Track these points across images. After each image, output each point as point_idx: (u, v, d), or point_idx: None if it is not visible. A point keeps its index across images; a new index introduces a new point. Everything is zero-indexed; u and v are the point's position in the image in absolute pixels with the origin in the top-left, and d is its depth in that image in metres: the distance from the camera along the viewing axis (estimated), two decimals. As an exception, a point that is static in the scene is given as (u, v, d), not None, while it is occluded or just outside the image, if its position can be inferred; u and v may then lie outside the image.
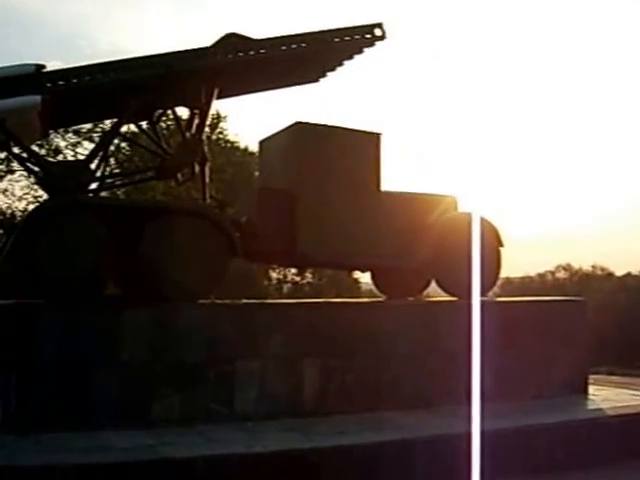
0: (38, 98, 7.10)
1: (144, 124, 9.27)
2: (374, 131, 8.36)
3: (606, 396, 8.55)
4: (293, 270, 25.11)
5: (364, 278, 10.18)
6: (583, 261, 47.05)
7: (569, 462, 6.65)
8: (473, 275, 7.50)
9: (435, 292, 9.50)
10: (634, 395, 8.70)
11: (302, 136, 7.99)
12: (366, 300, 10.34)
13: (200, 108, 8.23)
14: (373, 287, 10.04)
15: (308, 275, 25.72)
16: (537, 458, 6.53)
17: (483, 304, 6.70)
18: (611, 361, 16.90)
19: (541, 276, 45.90)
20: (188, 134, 8.34)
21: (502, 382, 7.40)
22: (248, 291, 17.60)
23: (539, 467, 6.42)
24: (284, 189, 7.98)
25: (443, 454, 6.15)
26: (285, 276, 25.98)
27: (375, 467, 5.92)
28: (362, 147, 8.18)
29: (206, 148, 8.47)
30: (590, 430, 7.05)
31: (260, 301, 8.78)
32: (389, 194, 8.34)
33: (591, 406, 8.05)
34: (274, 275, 25.56)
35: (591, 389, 8.85)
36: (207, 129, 20.82)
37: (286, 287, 26.12)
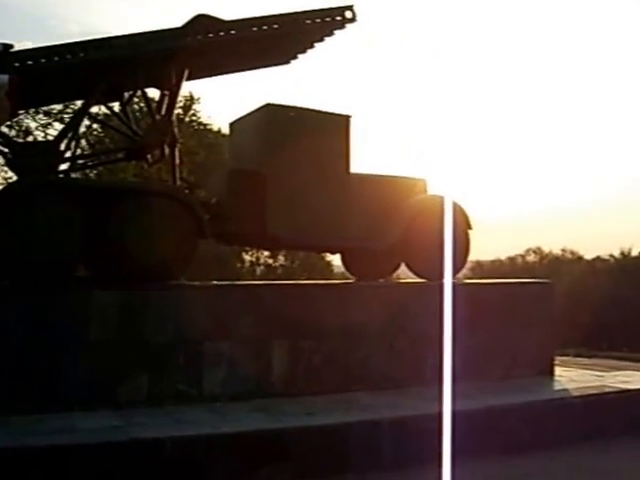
0: (5, 77, 7.04)
1: (115, 105, 9.23)
2: (344, 113, 8.38)
3: (571, 377, 8.68)
4: (266, 253, 25.11)
5: (337, 261, 10.22)
6: (553, 245, 47.40)
7: (535, 442, 6.74)
8: (445, 257, 7.57)
9: (405, 274, 9.55)
10: (598, 376, 8.83)
11: (272, 118, 7.99)
12: (335, 282, 10.37)
13: (170, 89, 8.19)
14: (345, 270, 10.07)
15: (281, 258, 25.72)
16: (504, 438, 6.59)
17: (452, 286, 6.77)
18: (579, 343, 17.11)
19: (511, 259, 46.24)
20: (158, 115, 8.30)
21: (470, 363, 7.48)
22: (221, 273, 17.59)
23: (506, 447, 6.47)
24: (254, 171, 7.97)
25: (410, 434, 6.20)
26: (258, 258, 25.94)
27: (343, 447, 5.96)
28: (332, 129, 8.20)
29: (176, 129, 8.44)
30: (555, 410, 7.15)
31: (229, 282, 8.78)
32: (359, 176, 8.37)
33: (557, 387, 8.18)
34: (247, 257, 25.52)
35: (557, 370, 8.97)
36: (180, 111, 20.72)
37: (259, 269, 26.09)
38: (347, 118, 8.37)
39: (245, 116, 8.56)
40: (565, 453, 6.64)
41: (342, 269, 10.36)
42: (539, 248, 46.76)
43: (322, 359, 7.41)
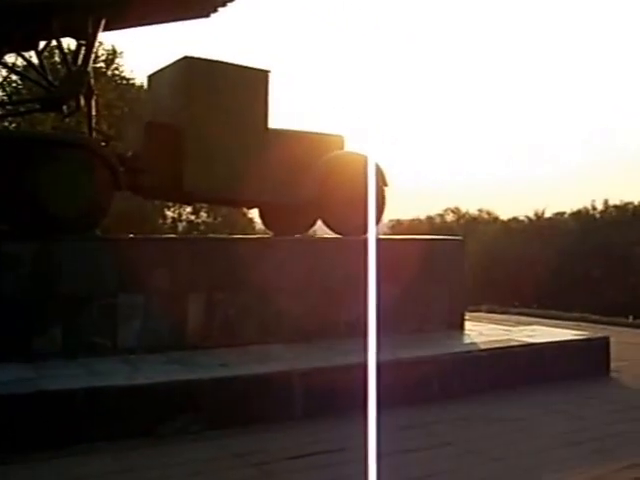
0: None
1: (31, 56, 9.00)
2: (263, 68, 8.37)
3: (481, 331, 8.93)
4: (188, 209, 24.97)
5: (259, 218, 10.26)
6: (471, 205, 48.10)
7: (444, 392, 6.97)
8: (368, 212, 7.69)
9: (322, 230, 9.64)
10: (506, 330, 9.11)
11: (190, 71, 7.91)
12: (251, 236, 10.42)
13: (86, 39, 8.04)
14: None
15: (203, 214, 25.61)
16: (414, 389, 6.78)
17: (366, 241, 6.87)
18: (493, 300, 17.54)
19: (430, 219, 46.79)
20: (73, 66, 8.15)
21: (384, 317, 7.57)
22: (142, 229, 17.48)
23: (416, 397, 6.67)
24: (171, 124, 7.91)
25: (323, 386, 6.32)
26: (180, 215, 25.79)
27: (255, 397, 6.06)
28: (251, 84, 8.18)
29: (92, 81, 8.31)
30: (463, 362, 7.38)
31: (144, 236, 8.74)
32: (276, 131, 8.39)
33: (466, 340, 8.41)
34: (169, 214, 25.34)
35: (468, 325, 9.23)
36: (102, 64, 20.27)
37: (181, 226, 25.93)
38: (266, 73, 8.34)
39: (164, 68, 8.45)
40: (473, 403, 6.88)
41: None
42: (457, 208, 47.45)
43: (237, 312, 7.48)
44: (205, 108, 7.86)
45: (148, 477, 4.75)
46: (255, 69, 8.28)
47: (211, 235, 12.61)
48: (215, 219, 25.55)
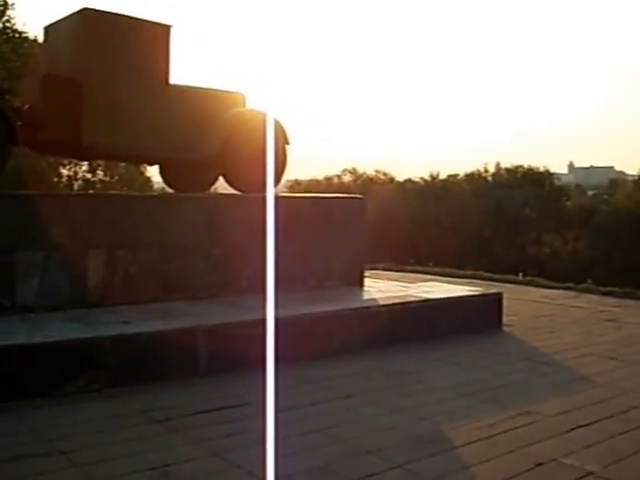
0: None
1: None
2: (164, 22, 8.23)
3: (380, 288, 9.13)
4: (84, 167, 24.40)
5: (156, 177, 10.07)
6: (368, 167, 48.56)
7: (345, 347, 7.12)
8: (267, 170, 7.71)
9: (223, 187, 9.63)
10: (404, 287, 9.34)
11: (89, 23, 7.69)
12: (153, 194, 10.29)
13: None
14: (165, 186, 10.01)
15: (100, 173, 25.09)
16: (315, 344, 6.91)
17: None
18: (389, 258, 17.85)
19: (328, 179, 47.14)
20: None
21: (285, 274, 7.67)
22: (37, 187, 17.02)
23: (317, 352, 6.81)
24: (69, 77, 7.69)
25: (226, 341, 6.38)
26: (76, 173, 25.15)
27: (159, 354, 6.06)
28: (152, 38, 8.03)
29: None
30: (363, 317, 7.54)
31: (41, 192, 8.52)
32: (178, 87, 8.29)
33: (365, 296, 8.59)
34: (65, 172, 24.70)
35: (367, 282, 9.43)
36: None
37: (77, 184, 25.32)
38: (168, 28, 8.20)
39: (61, 20, 8.17)
40: (372, 357, 7.06)
41: (162, 185, 10.29)
42: (354, 169, 47.91)
43: (138, 269, 7.42)
44: (104, 61, 7.69)
45: (51, 436, 4.70)
46: (156, 23, 8.13)
47: (111, 192, 12.37)
48: (112, 177, 25.05)
